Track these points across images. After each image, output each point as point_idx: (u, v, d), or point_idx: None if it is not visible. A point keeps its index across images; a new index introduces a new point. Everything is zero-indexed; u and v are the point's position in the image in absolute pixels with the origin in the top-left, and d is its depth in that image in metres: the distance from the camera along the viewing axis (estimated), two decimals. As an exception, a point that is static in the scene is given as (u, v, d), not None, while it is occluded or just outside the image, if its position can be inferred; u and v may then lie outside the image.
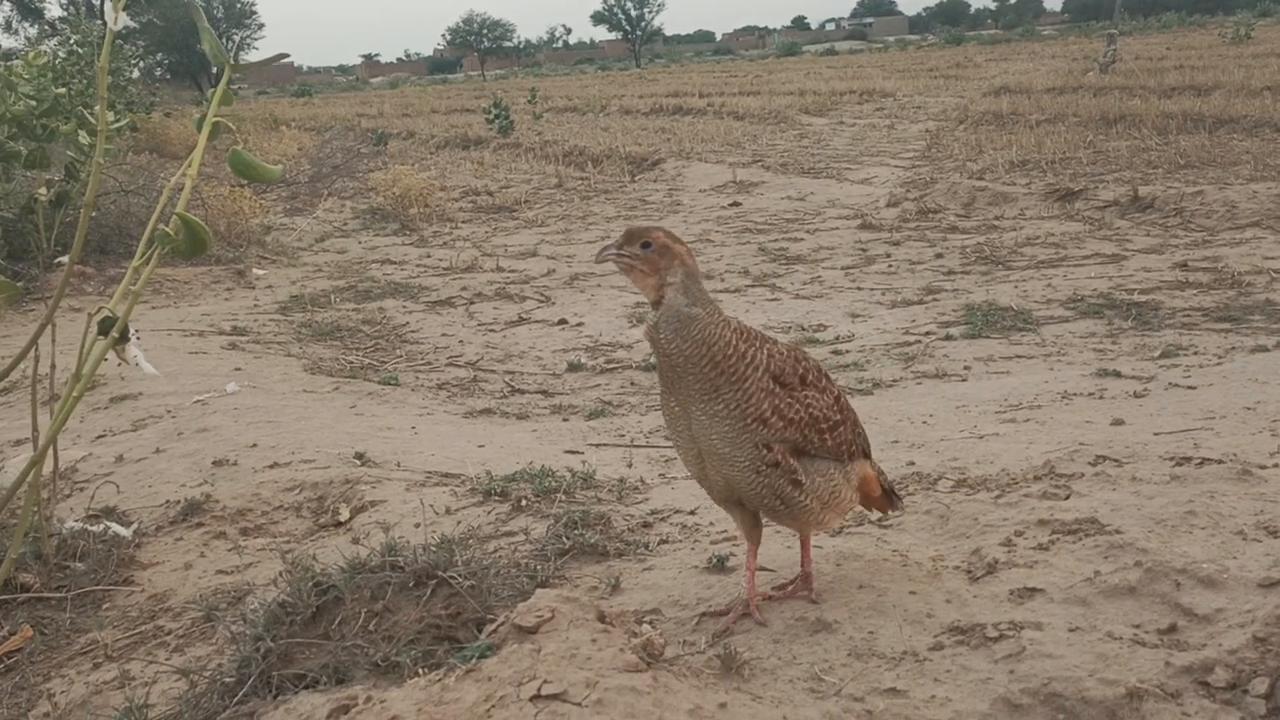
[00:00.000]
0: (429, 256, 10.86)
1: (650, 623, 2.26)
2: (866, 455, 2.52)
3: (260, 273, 9.75)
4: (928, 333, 6.81)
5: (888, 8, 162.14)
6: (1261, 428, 3.61)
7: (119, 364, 3.52)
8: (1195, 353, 5.68)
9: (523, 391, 6.14)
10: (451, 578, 2.37)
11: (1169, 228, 9.44)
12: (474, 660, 1.92)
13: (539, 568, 2.81)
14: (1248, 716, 1.86)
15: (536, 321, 7.92)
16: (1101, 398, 4.78)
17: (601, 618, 2.01)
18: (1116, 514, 2.69)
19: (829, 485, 2.34)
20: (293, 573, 2.40)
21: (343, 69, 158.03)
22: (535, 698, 1.75)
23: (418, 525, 3.19)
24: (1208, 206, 9.65)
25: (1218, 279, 7.46)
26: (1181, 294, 7.17)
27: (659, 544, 2.96)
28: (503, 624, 2.01)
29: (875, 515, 2.92)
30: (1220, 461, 3.05)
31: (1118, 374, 5.21)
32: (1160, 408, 4.44)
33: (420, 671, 1.97)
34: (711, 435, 2.24)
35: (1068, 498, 2.89)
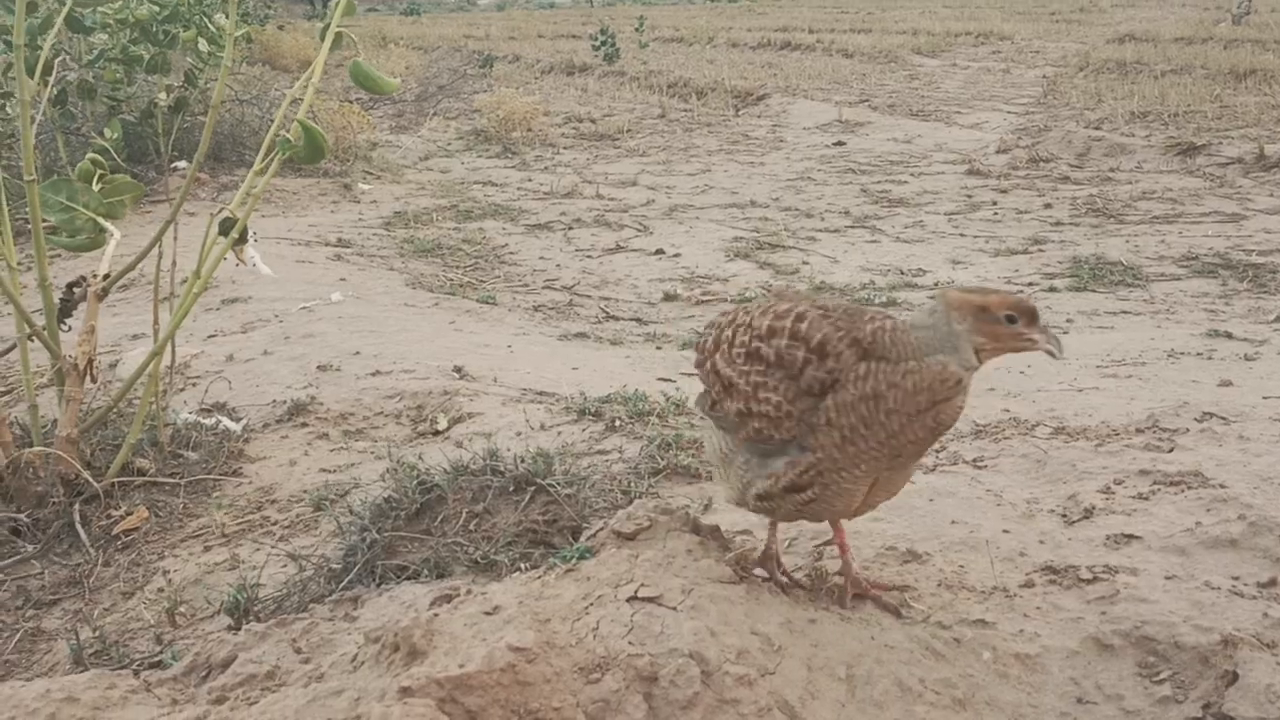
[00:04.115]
0: (530, 180, 10.92)
1: (743, 542, 2.30)
2: None
3: (366, 188, 9.91)
4: (1031, 283, 6.67)
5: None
6: (1380, 395, 3.50)
7: (236, 264, 3.65)
8: (1313, 318, 5.49)
9: (617, 318, 6.19)
10: (550, 485, 2.44)
11: (1294, 188, 9.05)
12: (574, 561, 1.98)
13: (633, 484, 2.86)
14: (1346, 673, 1.83)
15: (634, 250, 7.94)
16: (1210, 358, 4.66)
17: (697, 530, 2.05)
18: (1221, 469, 2.64)
19: None
20: (399, 470, 2.49)
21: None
22: (632, 599, 1.80)
23: (518, 434, 3.27)
24: (1338, 168, 9.23)
25: (1343, 244, 7.15)
26: (1303, 258, 6.90)
27: (751, 469, 2.99)
28: (601, 529, 2.07)
29: (970, 455, 2.91)
30: (1334, 425, 2.97)
31: (1229, 335, 5.06)
32: (1271, 371, 4.31)
33: (520, 568, 2.04)
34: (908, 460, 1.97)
35: (1171, 451, 2.84)
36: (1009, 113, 14.11)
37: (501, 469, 2.50)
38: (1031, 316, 1.86)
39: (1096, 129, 11.91)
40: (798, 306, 1.97)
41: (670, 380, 4.43)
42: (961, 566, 2.23)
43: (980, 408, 3.68)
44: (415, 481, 2.45)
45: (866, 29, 27.17)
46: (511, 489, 2.46)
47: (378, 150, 11.54)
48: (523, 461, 2.55)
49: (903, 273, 7.10)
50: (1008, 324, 1.85)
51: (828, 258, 7.51)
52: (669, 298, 6.58)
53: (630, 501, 2.62)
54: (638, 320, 6.16)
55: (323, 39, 3.36)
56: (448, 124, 15.03)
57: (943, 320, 1.88)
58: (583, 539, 2.14)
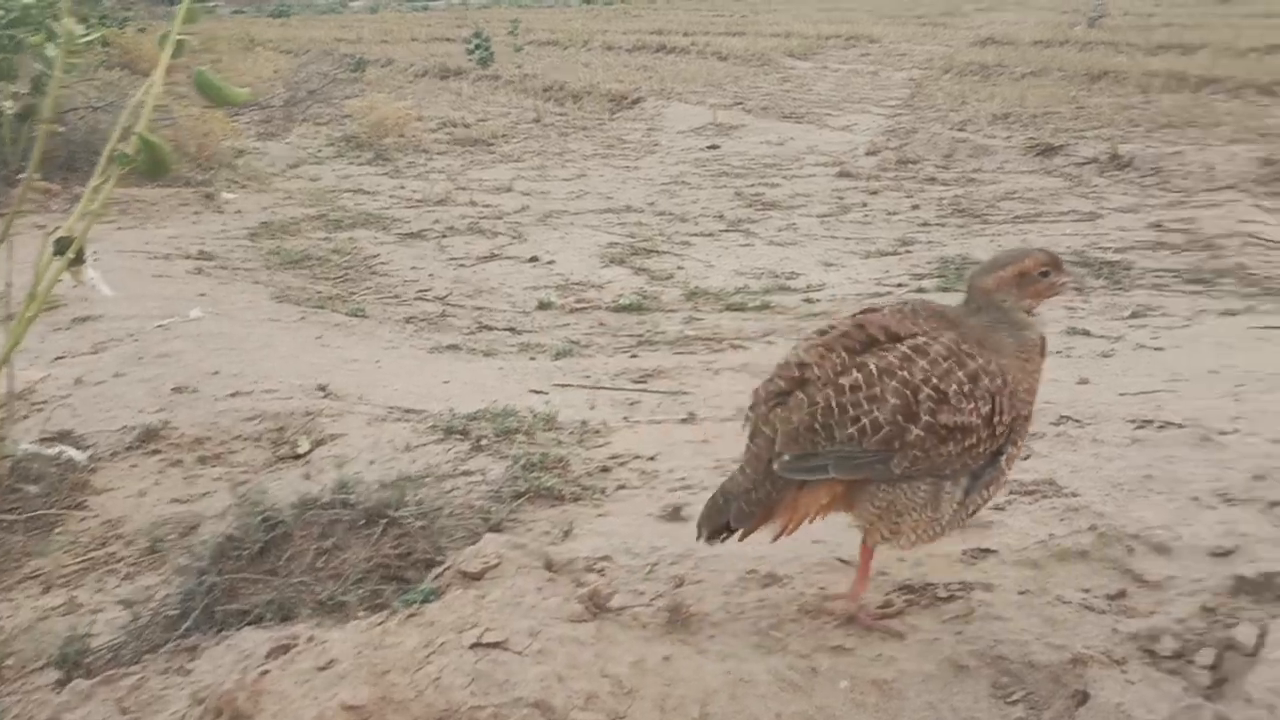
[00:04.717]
0: (402, 188, 10.70)
1: (600, 571, 2.24)
2: None
3: (230, 197, 9.57)
4: (900, 284, 6.78)
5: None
6: (1224, 392, 3.62)
7: (74, 285, 3.45)
8: (1164, 314, 5.68)
9: (491, 328, 6.08)
10: (403, 518, 2.35)
11: (1146, 187, 9.40)
12: (416, 605, 1.89)
13: (493, 510, 2.78)
14: (1191, 687, 1.86)
15: (508, 258, 7.82)
16: (1069, 356, 4.78)
17: (549, 565, 1.99)
18: (1075, 476, 2.69)
19: None
20: (242, 507, 2.37)
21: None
22: (475, 645, 1.73)
23: (372, 462, 3.16)
24: (1185, 167, 9.61)
25: (1191, 241, 7.44)
26: (1154, 255, 7.16)
27: (616, 489, 2.93)
28: (448, 569, 1.99)
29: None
30: (1181, 426, 3.05)
31: (1086, 333, 5.21)
32: (1126, 368, 4.44)
33: (362, 614, 1.95)
34: None
35: (1027, 458, 2.88)
36: (878, 114, 14.38)
37: (352, 501, 2.40)
38: (1058, 265, 2.14)
39: (961, 130, 12.21)
40: (942, 336, 2.08)
41: (542, 392, 4.36)
42: (822, 588, 2.21)
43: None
44: (259, 518, 2.33)
45: (740, 31, 27.48)
46: (363, 522, 2.35)
47: (243, 158, 11.19)
48: (376, 492, 2.45)
49: (776, 276, 7.15)
50: (1043, 278, 2.12)
51: (702, 262, 7.51)
52: (543, 306, 6.50)
53: (489, 530, 2.54)
54: (511, 330, 6.06)
55: (162, 46, 3.20)
56: (318, 130, 14.67)
57: (988, 306, 2.11)
58: (430, 577, 2.05)
